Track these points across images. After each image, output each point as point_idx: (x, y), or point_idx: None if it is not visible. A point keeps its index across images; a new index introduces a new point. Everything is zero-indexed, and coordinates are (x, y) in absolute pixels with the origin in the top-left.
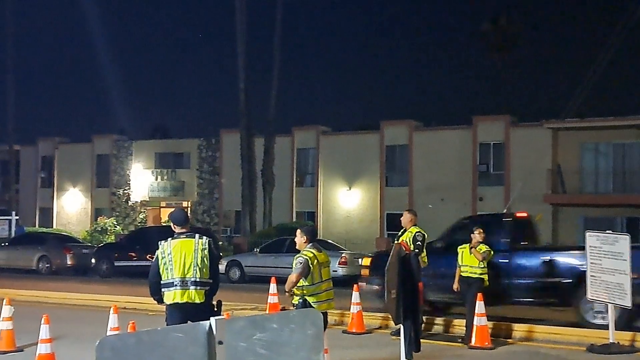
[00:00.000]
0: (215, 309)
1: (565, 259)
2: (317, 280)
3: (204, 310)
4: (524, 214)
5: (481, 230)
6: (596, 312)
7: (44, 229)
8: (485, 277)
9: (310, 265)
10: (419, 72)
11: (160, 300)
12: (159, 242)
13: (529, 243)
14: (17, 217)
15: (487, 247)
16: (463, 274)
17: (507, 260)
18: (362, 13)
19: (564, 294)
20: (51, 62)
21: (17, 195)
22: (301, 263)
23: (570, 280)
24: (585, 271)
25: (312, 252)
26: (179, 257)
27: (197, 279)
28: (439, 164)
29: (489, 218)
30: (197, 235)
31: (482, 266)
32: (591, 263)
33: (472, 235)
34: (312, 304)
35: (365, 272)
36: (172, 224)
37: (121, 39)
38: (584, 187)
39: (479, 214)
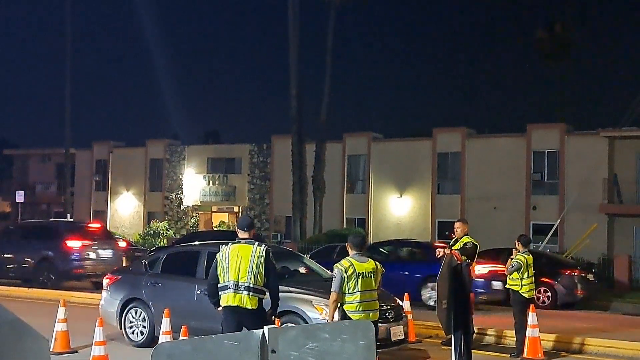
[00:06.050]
0: (269, 317)
1: None
2: (352, 290)
3: (257, 318)
4: None
5: (518, 239)
6: None
7: None
8: (518, 288)
9: (344, 275)
10: (472, 79)
11: (216, 304)
12: (220, 246)
13: None
14: (72, 220)
15: (523, 256)
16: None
17: None
18: (415, 19)
19: None
20: (107, 67)
21: (72, 197)
22: (334, 278)
23: None
24: None
25: (349, 262)
26: (235, 262)
27: (251, 285)
28: (492, 172)
29: None
30: (256, 243)
31: (513, 278)
32: None
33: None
34: (347, 312)
35: None
36: (237, 229)
37: (175, 45)
38: None
39: None
